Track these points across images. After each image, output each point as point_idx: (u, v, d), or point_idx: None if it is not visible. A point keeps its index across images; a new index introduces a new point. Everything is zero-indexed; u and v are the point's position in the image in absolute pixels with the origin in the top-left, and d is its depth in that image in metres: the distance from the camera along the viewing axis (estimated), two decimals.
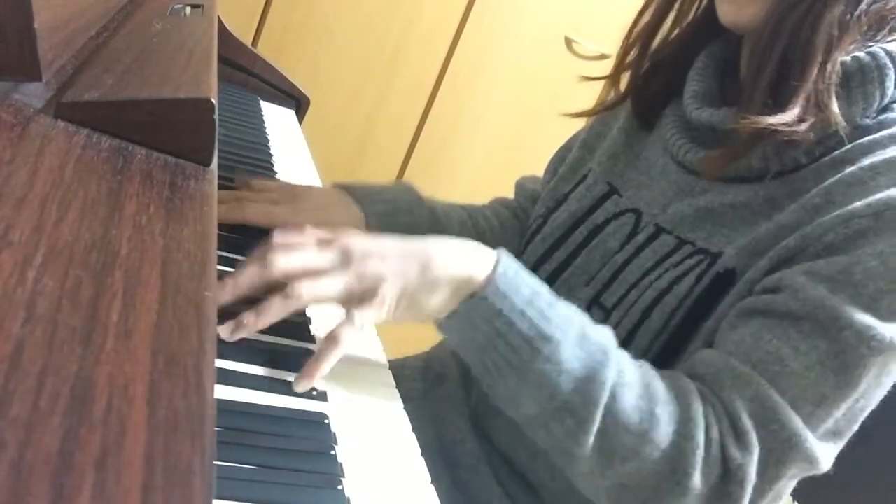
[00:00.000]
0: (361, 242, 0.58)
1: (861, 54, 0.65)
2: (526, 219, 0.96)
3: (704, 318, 0.67)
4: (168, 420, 0.28)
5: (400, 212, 0.83)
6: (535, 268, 0.83)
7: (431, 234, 0.76)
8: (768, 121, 0.62)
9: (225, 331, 0.53)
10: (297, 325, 0.66)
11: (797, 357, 0.59)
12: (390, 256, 0.58)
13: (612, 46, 2.06)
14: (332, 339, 0.56)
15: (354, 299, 0.56)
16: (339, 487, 0.50)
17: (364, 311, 0.56)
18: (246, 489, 0.45)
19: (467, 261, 0.59)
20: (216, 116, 0.50)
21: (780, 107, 0.63)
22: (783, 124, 0.62)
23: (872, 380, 0.60)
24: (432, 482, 0.54)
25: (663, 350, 0.69)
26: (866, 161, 0.63)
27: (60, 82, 0.49)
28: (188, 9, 0.83)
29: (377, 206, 0.81)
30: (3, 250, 0.31)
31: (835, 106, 0.63)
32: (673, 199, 0.75)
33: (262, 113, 1.26)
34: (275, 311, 0.55)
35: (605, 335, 0.62)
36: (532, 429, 0.62)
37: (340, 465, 0.51)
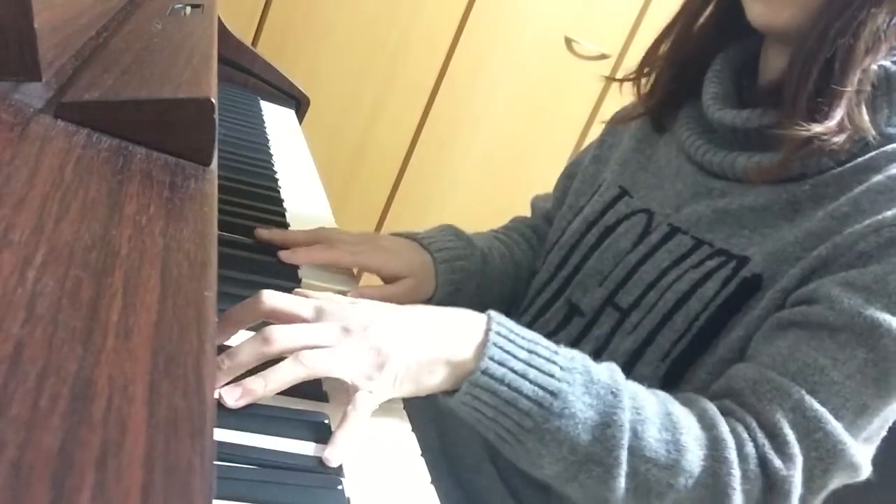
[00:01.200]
0: (357, 313, 0.56)
1: (887, 63, 0.66)
2: (544, 240, 0.97)
3: (728, 322, 0.67)
4: (168, 420, 0.28)
5: (459, 258, 0.83)
6: (553, 275, 0.84)
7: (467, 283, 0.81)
8: (816, 129, 0.63)
9: (230, 397, 0.50)
10: None
11: (836, 367, 0.59)
12: (391, 333, 0.56)
13: (613, 46, 2.06)
14: (352, 409, 0.53)
15: (363, 376, 0.54)
16: (339, 487, 0.50)
17: (376, 387, 0.54)
18: (246, 489, 0.45)
19: (460, 335, 0.57)
20: (216, 116, 0.50)
21: (822, 114, 0.64)
22: (828, 132, 0.63)
23: None
24: (432, 482, 0.54)
25: (684, 353, 0.69)
26: (893, 170, 0.64)
27: (60, 82, 0.49)
28: (188, 9, 0.83)
29: (442, 255, 0.81)
30: (3, 250, 0.31)
31: (865, 114, 0.64)
32: (689, 200, 0.75)
33: (262, 113, 1.26)
34: (284, 378, 0.52)
35: (611, 372, 0.60)
36: (562, 485, 0.61)
37: (340, 465, 0.51)
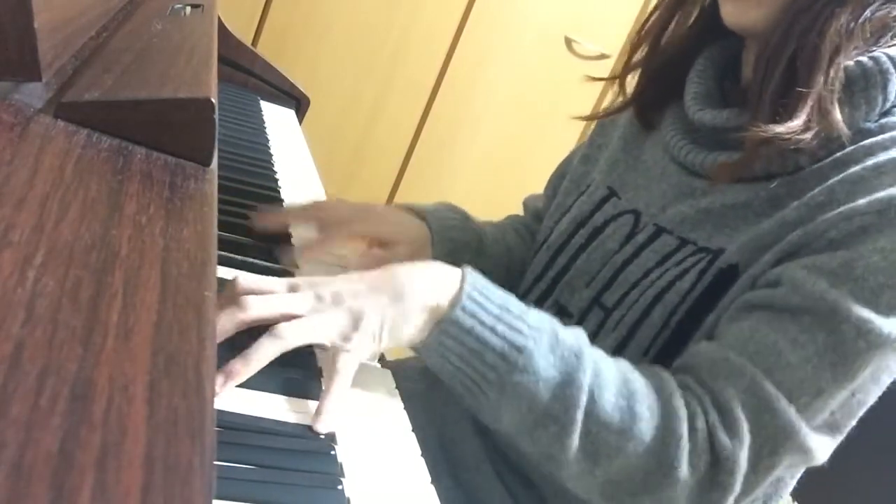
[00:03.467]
0: (329, 282, 0.58)
1: (864, 59, 0.65)
2: (534, 234, 0.98)
3: (706, 315, 0.67)
4: (168, 420, 0.28)
5: (455, 229, 0.85)
6: (540, 276, 0.84)
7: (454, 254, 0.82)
8: (776, 129, 0.63)
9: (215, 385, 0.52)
10: None
11: (794, 349, 0.60)
12: (362, 292, 0.57)
13: (613, 46, 2.07)
14: (334, 373, 0.55)
15: (341, 337, 0.56)
16: (339, 487, 0.50)
17: (356, 346, 0.56)
18: (246, 489, 0.45)
19: (434, 285, 0.59)
20: (216, 116, 0.50)
21: (786, 113, 0.63)
22: (790, 132, 0.63)
23: (869, 374, 0.61)
24: (432, 482, 0.54)
25: (665, 346, 0.69)
26: (870, 161, 0.63)
27: (60, 82, 0.49)
28: (188, 9, 0.83)
29: (438, 225, 0.83)
30: (3, 250, 0.31)
31: (837, 113, 0.63)
32: (673, 200, 0.75)
33: (262, 113, 1.26)
34: (264, 354, 0.53)
35: (577, 336, 0.62)
36: (517, 438, 0.63)
37: (340, 465, 0.51)
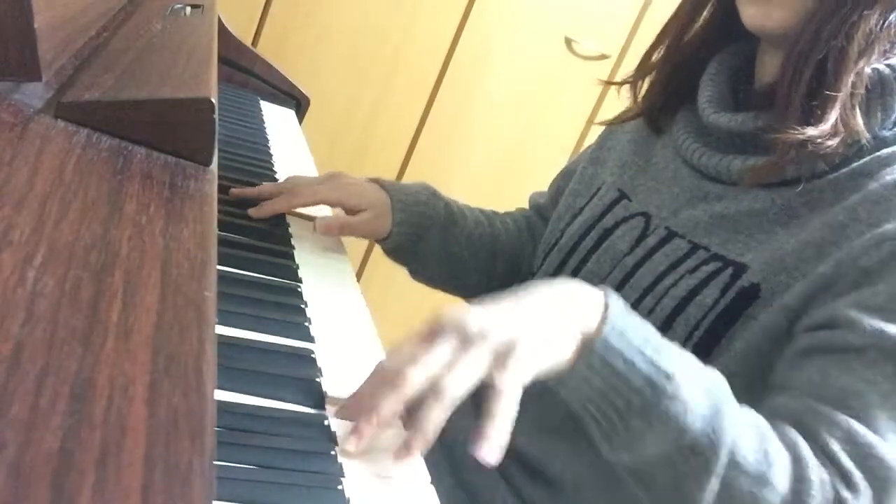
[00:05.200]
0: (468, 315, 0.54)
1: (881, 66, 0.65)
2: (535, 229, 0.98)
3: (727, 332, 0.67)
4: (168, 420, 0.28)
5: (418, 203, 0.88)
6: (552, 277, 0.83)
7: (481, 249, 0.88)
8: (810, 132, 0.63)
9: (401, 456, 0.50)
10: (297, 325, 0.66)
11: (871, 388, 0.59)
12: (506, 319, 0.54)
13: (613, 46, 2.06)
14: (498, 394, 0.52)
15: (498, 367, 0.53)
16: (339, 487, 0.50)
17: (513, 368, 0.53)
18: (246, 489, 0.45)
19: (579, 307, 0.57)
20: (216, 116, 0.50)
21: (817, 117, 0.63)
22: (822, 135, 0.63)
23: None
24: (432, 482, 0.54)
25: None
26: (888, 178, 0.64)
27: (60, 82, 0.49)
28: (188, 9, 0.83)
29: (399, 195, 0.87)
30: (3, 250, 0.31)
31: (859, 118, 0.64)
32: (685, 204, 0.75)
33: (262, 113, 1.26)
34: (437, 420, 0.51)
35: (715, 371, 0.60)
36: (642, 475, 0.60)
37: (340, 465, 0.51)
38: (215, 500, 0.42)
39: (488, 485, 0.78)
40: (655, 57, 0.82)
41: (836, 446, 0.58)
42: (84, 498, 0.23)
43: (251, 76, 1.34)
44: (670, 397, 0.55)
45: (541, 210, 1.00)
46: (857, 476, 0.57)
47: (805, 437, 0.59)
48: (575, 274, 0.81)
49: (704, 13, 0.80)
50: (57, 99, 0.46)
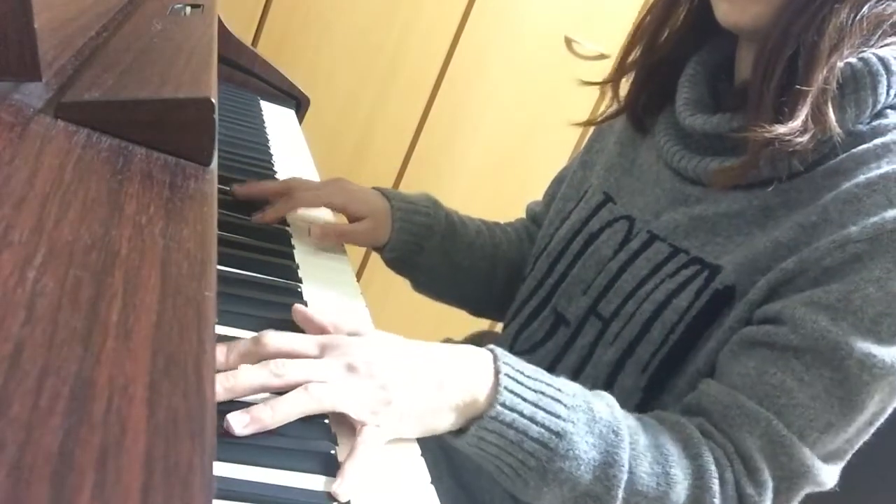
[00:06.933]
0: (360, 349, 0.55)
1: (853, 60, 0.65)
2: (534, 238, 0.99)
3: (704, 334, 0.67)
4: (168, 420, 0.28)
5: (419, 213, 0.88)
6: (540, 282, 0.84)
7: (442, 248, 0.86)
8: (779, 130, 0.62)
9: (238, 424, 0.48)
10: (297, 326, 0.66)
11: (802, 388, 0.60)
12: (396, 372, 0.54)
13: (612, 46, 2.06)
14: (359, 443, 0.52)
15: (369, 411, 0.53)
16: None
17: (383, 422, 0.53)
18: (246, 489, 0.45)
19: (470, 378, 0.57)
20: (216, 116, 0.50)
21: (787, 114, 0.63)
22: (791, 133, 0.62)
23: (877, 404, 0.62)
24: (432, 482, 0.54)
25: (663, 364, 0.69)
26: (861, 176, 0.63)
27: (60, 82, 0.49)
28: (188, 9, 0.83)
29: (400, 204, 0.87)
30: (3, 250, 0.31)
31: (831, 114, 0.63)
32: (667, 207, 0.75)
33: (262, 113, 1.26)
34: (293, 409, 0.50)
35: (611, 410, 0.61)
36: None
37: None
38: (215, 500, 0.42)
39: (487, 486, 0.78)
40: (633, 56, 0.82)
41: (752, 443, 0.61)
42: (84, 498, 0.23)
43: (251, 76, 1.34)
44: (562, 456, 0.57)
45: (537, 219, 1.00)
46: (765, 472, 0.60)
47: (724, 433, 0.62)
48: (562, 279, 0.81)
49: (681, 12, 0.79)
50: (57, 99, 0.46)
